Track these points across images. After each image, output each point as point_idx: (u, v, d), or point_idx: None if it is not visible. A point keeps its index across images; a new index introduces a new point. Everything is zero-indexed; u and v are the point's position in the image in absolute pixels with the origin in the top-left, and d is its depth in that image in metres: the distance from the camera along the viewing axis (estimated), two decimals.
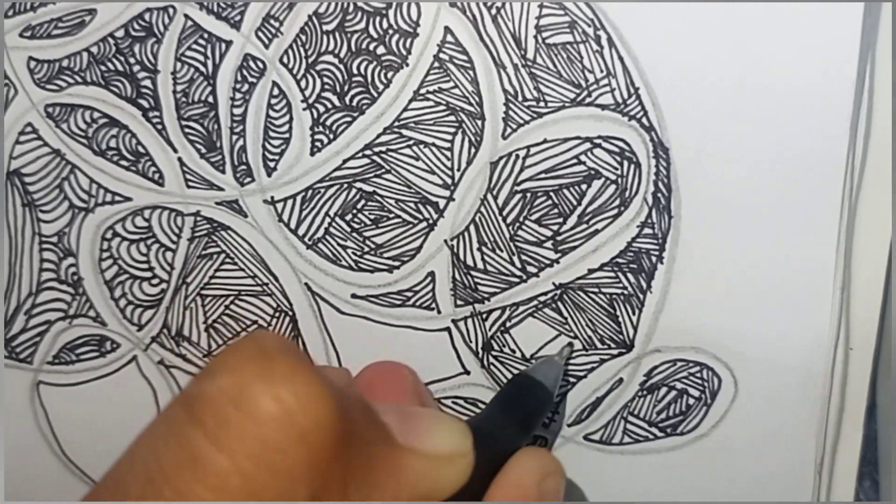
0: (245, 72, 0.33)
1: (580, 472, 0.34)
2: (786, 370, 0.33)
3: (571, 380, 0.34)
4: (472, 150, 0.32)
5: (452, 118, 0.32)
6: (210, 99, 0.33)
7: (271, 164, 0.33)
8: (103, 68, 0.33)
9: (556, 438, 0.34)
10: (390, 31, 0.32)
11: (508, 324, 0.33)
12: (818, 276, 0.32)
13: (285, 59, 0.33)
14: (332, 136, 0.33)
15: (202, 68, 0.33)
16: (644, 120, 0.31)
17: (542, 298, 0.33)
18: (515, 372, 0.34)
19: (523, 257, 0.33)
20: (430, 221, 0.33)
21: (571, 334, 0.33)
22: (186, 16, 0.33)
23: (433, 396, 0.34)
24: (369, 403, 0.24)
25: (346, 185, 0.33)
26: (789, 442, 0.33)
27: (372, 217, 0.33)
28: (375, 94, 0.32)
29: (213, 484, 0.20)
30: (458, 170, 0.33)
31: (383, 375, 0.33)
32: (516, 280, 0.33)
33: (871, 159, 0.31)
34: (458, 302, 0.34)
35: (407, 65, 0.32)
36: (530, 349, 0.34)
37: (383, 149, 0.33)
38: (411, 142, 0.33)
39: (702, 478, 0.34)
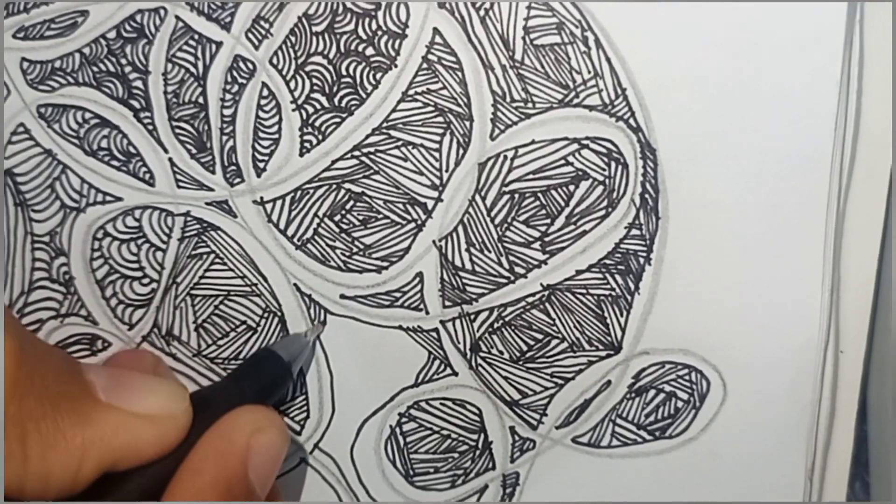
0: (235, 73, 0.33)
1: (568, 475, 0.34)
2: (775, 373, 0.33)
3: (558, 381, 0.34)
4: (461, 150, 0.32)
5: (441, 119, 0.32)
6: (200, 100, 0.33)
7: (261, 165, 0.33)
8: (95, 69, 0.33)
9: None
10: (379, 33, 0.32)
11: (496, 325, 0.33)
12: (807, 277, 0.32)
13: (275, 61, 0.33)
14: (321, 137, 0.33)
15: (193, 69, 0.33)
16: (631, 121, 0.31)
17: (529, 299, 0.33)
18: (504, 374, 0.34)
19: (511, 258, 0.33)
20: (419, 222, 0.33)
21: (560, 336, 0.33)
22: (177, 17, 0.33)
23: (174, 377, 0.34)
24: (78, 363, 0.26)
25: (334, 186, 0.33)
26: (779, 446, 0.33)
27: (360, 218, 0.33)
28: (364, 95, 0.33)
29: None
30: (447, 171, 0.33)
31: (125, 355, 0.34)
32: (504, 281, 0.33)
33: (860, 159, 0.31)
34: (447, 303, 0.34)
35: (396, 66, 0.32)
36: (518, 351, 0.34)
37: (372, 150, 0.33)
38: (400, 143, 0.33)
39: (691, 482, 0.34)
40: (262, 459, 0.28)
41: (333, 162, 0.33)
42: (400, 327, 0.34)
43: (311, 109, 0.33)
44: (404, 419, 0.34)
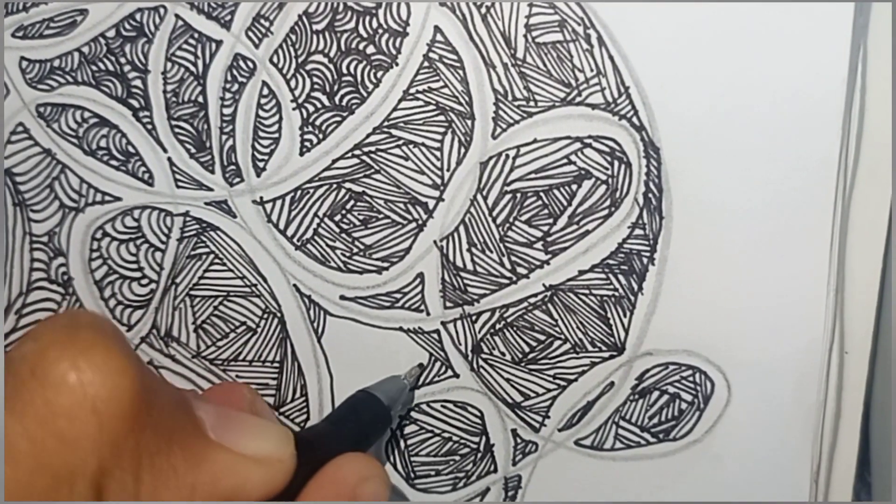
0: (235, 71, 0.33)
1: (571, 478, 0.34)
2: (780, 374, 0.32)
3: (560, 383, 0.33)
4: (462, 149, 0.32)
5: (442, 118, 0.32)
6: (200, 99, 0.33)
7: (260, 164, 0.33)
8: (94, 68, 0.33)
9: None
10: (380, 31, 0.32)
11: (498, 326, 0.33)
12: (812, 277, 0.31)
13: (275, 59, 0.33)
14: (321, 136, 0.33)
15: (192, 68, 0.33)
16: (634, 119, 0.31)
17: (532, 300, 0.33)
18: (506, 375, 0.33)
19: (513, 258, 0.33)
20: (420, 222, 0.33)
21: (562, 337, 0.33)
22: (177, 16, 0.33)
23: (274, 416, 0.34)
24: (188, 398, 0.25)
25: (335, 186, 0.33)
26: (784, 447, 0.33)
27: (361, 217, 0.33)
28: (365, 94, 0.32)
29: (5, 446, 0.21)
30: (448, 170, 0.32)
31: (221, 390, 0.33)
32: (506, 281, 0.33)
33: (864, 159, 0.31)
34: (448, 304, 0.33)
35: (397, 64, 0.32)
36: (520, 352, 0.33)
37: (373, 149, 0.33)
38: (401, 142, 0.32)
39: (696, 485, 0.33)
40: None
41: (334, 161, 0.33)
42: (401, 329, 0.34)
43: (311, 108, 0.33)
44: (405, 421, 0.34)
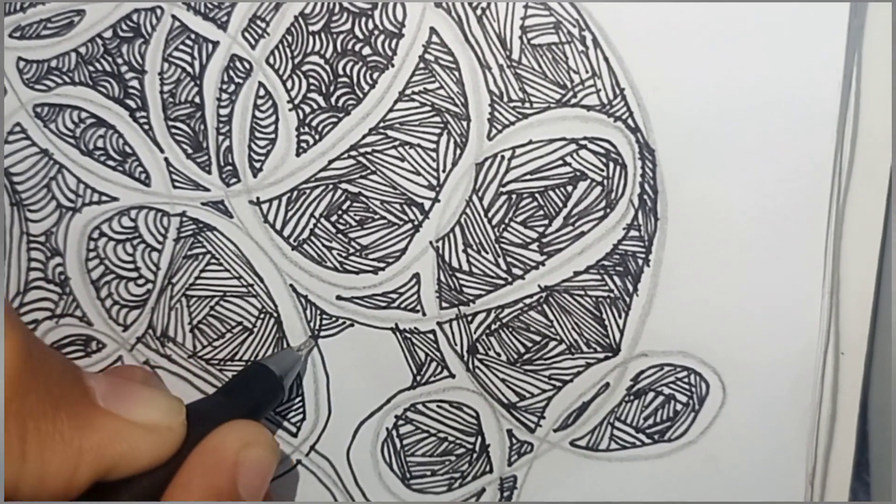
0: (231, 72, 0.33)
1: (566, 478, 0.34)
2: (775, 375, 0.32)
3: (556, 383, 0.33)
4: (458, 151, 0.32)
5: (438, 119, 0.32)
6: (197, 99, 0.33)
7: (257, 165, 0.33)
8: (91, 68, 0.33)
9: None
10: (376, 32, 0.32)
11: (494, 326, 0.33)
12: (807, 279, 0.31)
13: (271, 60, 0.33)
14: (317, 137, 0.33)
15: (189, 69, 0.33)
16: (630, 121, 0.31)
17: (527, 301, 0.33)
18: (501, 376, 0.33)
19: (509, 259, 0.33)
20: (416, 223, 0.33)
21: (558, 338, 0.33)
22: (174, 16, 0.33)
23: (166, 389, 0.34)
24: (79, 368, 0.26)
25: (331, 186, 0.33)
26: (780, 449, 0.33)
27: (357, 218, 0.33)
28: (361, 95, 0.32)
29: None
30: (444, 171, 0.32)
31: (116, 370, 0.34)
32: (502, 282, 0.33)
33: (859, 161, 0.31)
34: (444, 304, 0.33)
35: (392, 65, 0.32)
36: (516, 353, 0.33)
37: (369, 150, 0.33)
38: (397, 143, 0.33)
39: (691, 486, 0.34)
40: (250, 474, 0.28)
41: (330, 162, 0.33)
42: (396, 328, 0.34)
43: (307, 109, 0.33)
44: (401, 422, 0.34)
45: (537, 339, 0.33)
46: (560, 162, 0.32)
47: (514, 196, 0.32)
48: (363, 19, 0.32)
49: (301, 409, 0.34)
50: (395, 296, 0.33)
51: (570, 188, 0.32)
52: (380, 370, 0.34)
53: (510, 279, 0.33)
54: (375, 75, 0.32)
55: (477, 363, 0.34)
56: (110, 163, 0.34)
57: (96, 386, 0.26)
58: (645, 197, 0.32)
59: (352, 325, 0.34)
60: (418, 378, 0.34)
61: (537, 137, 0.32)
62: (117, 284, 0.34)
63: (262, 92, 0.33)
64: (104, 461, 0.25)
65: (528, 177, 0.32)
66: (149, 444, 0.26)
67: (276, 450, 0.29)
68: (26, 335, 0.24)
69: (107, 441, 0.25)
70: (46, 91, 0.34)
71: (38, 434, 0.24)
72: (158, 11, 0.33)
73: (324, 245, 0.33)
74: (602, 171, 0.32)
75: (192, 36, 0.33)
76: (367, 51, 0.32)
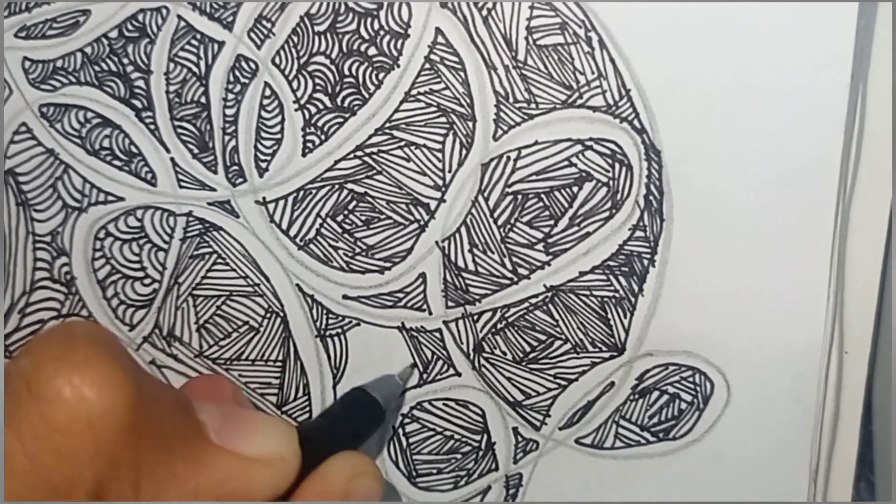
0: (237, 72, 0.33)
1: (572, 476, 0.34)
2: (779, 375, 0.32)
3: (561, 382, 0.33)
4: (464, 151, 0.32)
5: (443, 119, 0.32)
6: (203, 99, 0.33)
7: (263, 165, 0.33)
8: (97, 68, 0.33)
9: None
10: (381, 32, 0.32)
11: (500, 326, 0.33)
12: (812, 278, 0.32)
13: (277, 60, 0.33)
14: (323, 137, 0.33)
15: (195, 69, 0.33)
16: (636, 122, 0.31)
17: (533, 301, 0.33)
18: (507, 374, 0.34)
19: (514, 259, 0.33)
20: (422, 223, 0.33)
21: (563, 337, 0.33)
22: (179, 16, 0.33)
23: (254, 407, 0.34)
24: (190, 401, 0.25)
25: (337, 186, 0.33)
26: (784, 447, 0.33)
27: (363, 218, 0.33)
28: (367, 95, 0.32)
29: (4, 462, 0.21)
30: (450, 171, 0.33)
31: (204, 383, 0.33)
32: (507, 282, 0.33)
33: (865, 161, 0.31)
34: (450, 304, 0.33)
35: (398, 66, 0.32)
36: (521, 352, 0.33)
37: (374, 150, 0.33)
38: (402, 143, 0.33)
39: (695, 484, 0.34)
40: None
41: (336, 162, 0.33)
42: (403, 327, 0.34)
43: (313, 109, 0.33)
44: (407, 420, 0.34)
45: (543, 338, 0.33)
46: (566, 163, 0.32)
47: (519, 196, 0.32)
48: (369, 19, 0.32)
49: (307, 408, 0.35)
50: (401, 295, 0.34)
51: (575, 189, 0.32)
52: (386, 369, 0.34)
53: (516, 279, 0.33)
54: (381, 75, 0.32)
55: (483, 362, 0.34)
56: (116, 163, 0.34)
57: (209, 420, 0.25)
58: (650, 198, 0.32)
59: (358, 325, 0.34)
60: (424, 376, 0.34)
61: (543, 138, 0.32)
62: (123, 284, 0.34)
63: (267, 92, 0.33)
64: (221, 498, 0.24)
65: (533, 177, 0.32)
66: (265, 476, 0.25)
67: (382, 480, 0.29)
68: (136, 374, 0.23)
69: (223, 479, 0.24)
70: (52, 91, 0.34)
71: (153, 480, 0.23)
72: (164, 11, 0.33)
73: (330, 245, 0.34)
74: (608, 171, 0.32)
75: (198, 36, 0.33)
76: (372, 51, 0.32)
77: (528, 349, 0.33)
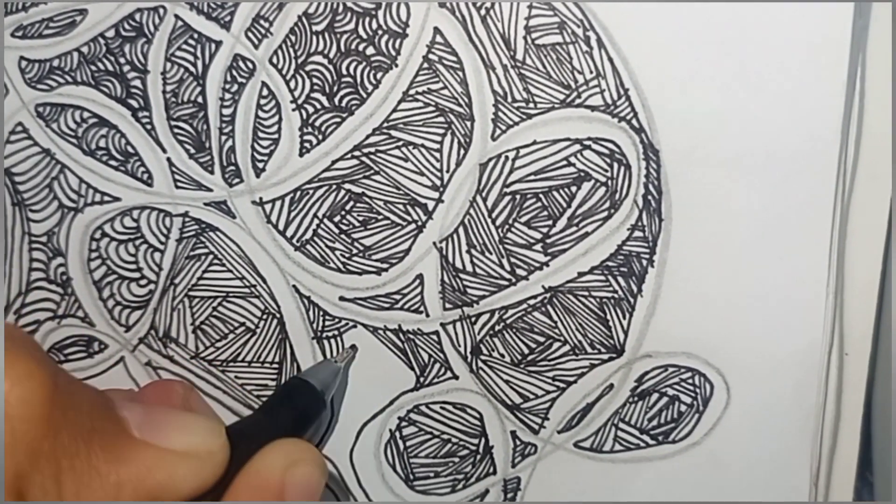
0: (235, 72, 0.33)
1: (570, 480, 0.34)
2: (779, 376, 0.32)
3: (560, 384, 0.33)
4: (462, 151, 0.32)
5: (441, 119, 0.32)
6: (199, 99, 0.33)
7: (260, 165, 0.33)
8: (93, 68, 0.33)
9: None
10: (379, 32, 0.32)
11: (497, 327, 0.33)
12: (811, 279, 0.31)
13: (275, 60, 0.32)
14: (321, 137, 0.33)
15: (192, 68, 0.33)
16: (634, 121, 0.31)
17: (531, 302, 0.33)
18: (505, 377, 0.33)
19: (512, 260, 0.33)
20: (419, 223, 0.33)
21: (561, 339, 0.33)
22: (177, 16, 0.33)
23: (212, 411, 0.33)
24: (111, 399, 0.25)
25: (334, 187, 0.33)
26: (784, 449, 0.33)
27: (360, 219, 0.33)
28: (364, 95, 0.32)
29: None
30: (447, 171, 0.32)
31: (154, 387, 0.33)
32: (505, 283, 0.33)
33: (863, 161, 0.31)
34: (447, 305, 0.33)
35: (396, 65, 0.32)
36: (519, 354, 0.33)
37: (372, 150, 0.33)
38: (400, 143, 0.32)
39: (694, 487, 0.33)
40: (299, 494, 0.27)
41: (333, 162, 0.33)
42: (400, 330, 0.34)
43: (311, 109, 0.33)
44: (404, 423, 0.34)
45: (541, 340, 0.33)
46: (564, 162, 0.32)
47: (517, 196, 0.32)
48: (367, 19, 0.32)
49: None
50: (398, 297, 0.33)
51: (574, 189, 0.32)
52: (383, 372, 0.34)
53: (514, 280, 0.33)
54: (379, 75, 0.32)
55: (480, 364, 0.34)
56: (112, 163, 0.34)
57: (130, 416, 0.25)
58: (649, 197, 0.32)
59: (355, 327, 0.34)
60: (421, 379, 0.34)
61: (541, 138, 0.32)
62: (119, 285, 0.34)
63: (265, 92, 0.33)
64: (144, 493, 0.24)
65: (531, 177, 0.32)
66: (189, 471, 0.25)
67: (324, 466, 0.28)
68: (52, 370, 0.23)
69: (145, 472, 0.24)
70: (48, 91, 0.33)
71: (74, 473, 0.23)
72: (161, 11, 0.33)
73: (327, 246, 0.33)
74: (606, 171, 0.32)
75: (195, 35, 0.33)
76: (370, 51, 0.32)
77: (526, 351, 0.33)
